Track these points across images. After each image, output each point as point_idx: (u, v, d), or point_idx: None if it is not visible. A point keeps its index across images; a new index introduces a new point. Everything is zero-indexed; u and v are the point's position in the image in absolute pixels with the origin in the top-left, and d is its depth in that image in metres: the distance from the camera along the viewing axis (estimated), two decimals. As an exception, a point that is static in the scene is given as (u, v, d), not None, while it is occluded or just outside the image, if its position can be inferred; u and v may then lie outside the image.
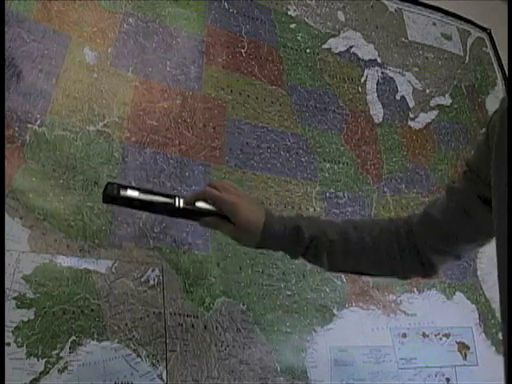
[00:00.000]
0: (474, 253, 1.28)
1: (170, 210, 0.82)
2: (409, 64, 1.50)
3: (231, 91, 1.21)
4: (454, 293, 1.24)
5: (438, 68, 1.54)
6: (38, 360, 0.81)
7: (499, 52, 1.65)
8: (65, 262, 0.89)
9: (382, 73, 1.44)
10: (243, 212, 0.81)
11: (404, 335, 1.14)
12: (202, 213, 0.83)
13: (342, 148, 1.28)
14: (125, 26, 1.13)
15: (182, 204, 0.81)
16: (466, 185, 0.77)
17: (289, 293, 1.07)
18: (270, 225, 0.83)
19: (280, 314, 1.05)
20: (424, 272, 0.85)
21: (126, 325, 0.90)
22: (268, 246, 0.86)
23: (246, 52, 1.27)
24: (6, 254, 0.84)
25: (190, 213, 0.83)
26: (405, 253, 0.83)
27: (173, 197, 0.82)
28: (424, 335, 1.16)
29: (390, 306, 1.16)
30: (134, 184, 1.01)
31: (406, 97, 1.45)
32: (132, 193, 0.79)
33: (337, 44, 1.41)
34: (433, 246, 0.82)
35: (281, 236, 0.83)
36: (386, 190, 1.29)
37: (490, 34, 1.68)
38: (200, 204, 0.83)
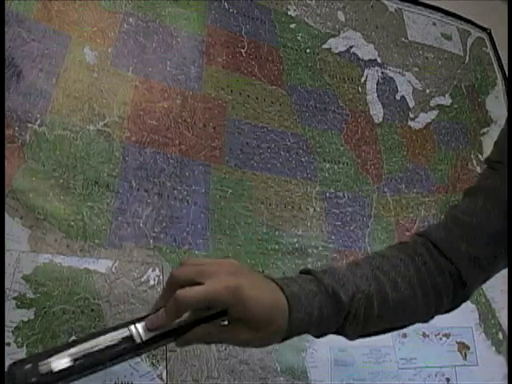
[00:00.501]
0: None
1: (130, 351, 0.51)
2: (409, 64, 1.49)
3: (231, 91, 1.20)
4: (454, 293, 1.24)
5: (438, 68, 1.54)
6: (38, 360, 0.81)
7: (499, 52, 1.65)
8: (65, 261, 0.89)
9: (382, 73, 1.44)
10: (256, 296, 0.53)
11: (404, 335, 1.14)
12: (179, 330, 0.54)
13: (341, 148, 1.28)
14: (125, 25, 1.13)
15: (143, 333, 0.52)
16: (499, 180, 0.70)
17: (289, 293, 1.07)
18: (296, 298, 0.57)
19: (280, 313, 1.04)
20: (456, 298, 0.70)
21: (126, 325, 0.90)
22: (299, 331, 0.59)
23: (246, 52, 1.27)
24: (6, 254, 0.84)
25: (162, 338, 0.53)
26: (438, 280, 0.68)
27: (125, 326, 0.52)
28: (424, 335, 1.16)
29: (390, 306, 1.16)
30: None
31: (406, 97, 1.45)
32: (61, 361, 0.47)
33: (337, 44, 1.41)
34: (470, 256, 0.68)
35: (314, 310, 0.58)
36: (385, 190, 1.29)
37: (490, 34, 1.68)
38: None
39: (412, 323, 0.72)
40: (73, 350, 0.48)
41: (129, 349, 0.51)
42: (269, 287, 0.57)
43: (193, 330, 0.54)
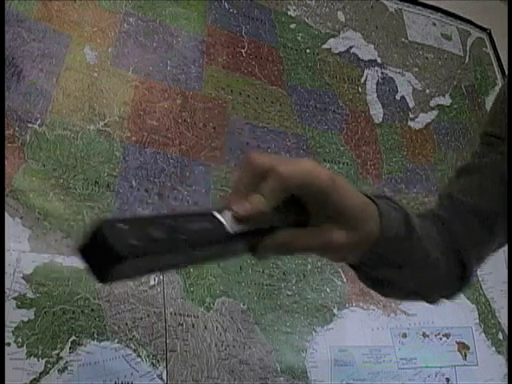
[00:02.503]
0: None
1: (222, 240, 0.41)
2: (409, 64, 1.50)
3: (231, 91, 1.20)
4: (454, 293, 1.24)
5: (438, 68, 1.54)
6: (38, 360, 0.81)
7: (499, 52, 1.65)
8: (65, 261, 0.89)
9: (382, 73, 1.44)
10: (351, 190, 0.46)
11: (404, 335, 1.14)
12: (261, 232, 0.44)
13: (342, 148, 1.28)
14: (125, 25, 1.13)
15: (231, 224, 0.41)
16: (496, 157, 0.65)
17: (289, 293, 1.07)
18: (383, 208, 0.50)
19: (280, 313, 1.05)
20: (461, 282, 0.64)
21: (126, 325, 0.89)
22: (388, 243, 0.50)
23: (246, 52, 1.27)
24: (6, 254, 0.84)
25: (250, 236, 0.43)
26: (450, 256, 0.61)
27: (205, 214, 0.42)
28: (424, 335, 1.16)
29: (390, 305, 1.16)
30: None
31: (406, 97, 1.45)
32: (159, 231, 0.38)
33: (337, 44, 1.41)
34: (473, 238, 0.63)
35: (395, 226, 0.51)
36: (385, 190, 1.29)
37: (489, 34, 1.68)
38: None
39: (428, 295, 0.64)
40: (167, 222, 0.39)
41: (222, 237, 0.41)
42: (361, 194, 0.49)
43: (271, 235, 0.44)
